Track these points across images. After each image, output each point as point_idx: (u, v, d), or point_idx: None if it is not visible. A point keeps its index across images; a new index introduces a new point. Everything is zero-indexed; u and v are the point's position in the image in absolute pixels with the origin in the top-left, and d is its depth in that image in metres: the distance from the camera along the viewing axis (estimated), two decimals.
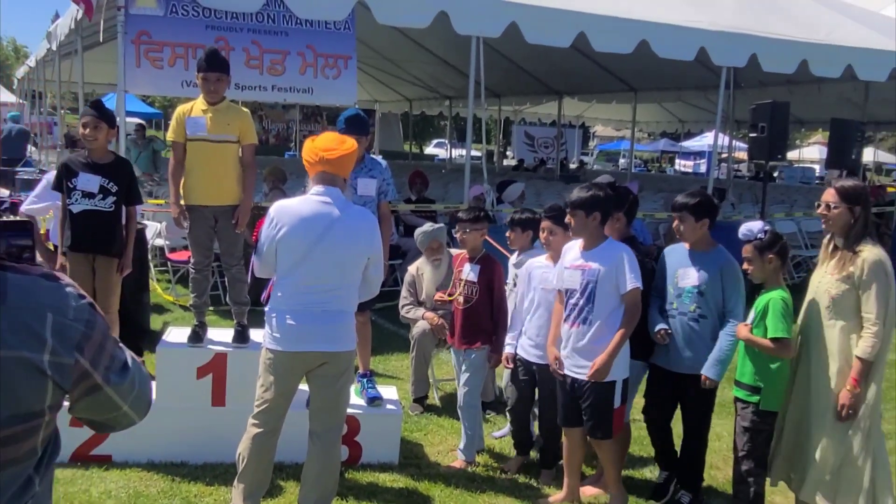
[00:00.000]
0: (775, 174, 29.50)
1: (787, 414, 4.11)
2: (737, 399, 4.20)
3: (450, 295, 5.25)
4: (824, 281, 3.96)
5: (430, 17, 8.10)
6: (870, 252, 3.79)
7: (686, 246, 4.37)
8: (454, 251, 5.66)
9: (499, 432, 5.49)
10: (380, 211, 5.04)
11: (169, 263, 8.84)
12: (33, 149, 16.11)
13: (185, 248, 9.41)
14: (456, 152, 27.95)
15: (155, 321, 7.69)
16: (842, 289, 3.83)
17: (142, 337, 6.72)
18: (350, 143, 3.87)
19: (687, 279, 4.29)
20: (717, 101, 10.39)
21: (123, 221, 5.05)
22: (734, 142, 20.64)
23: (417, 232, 6.04)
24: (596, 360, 4.12)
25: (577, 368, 4.23)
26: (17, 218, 6.38)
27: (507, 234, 5.22)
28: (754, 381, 4.06)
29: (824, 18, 11.03)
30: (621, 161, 41.12)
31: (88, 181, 4.76)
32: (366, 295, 4.05)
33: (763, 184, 10.57)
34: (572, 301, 4.23)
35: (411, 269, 6.14)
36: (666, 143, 39.87)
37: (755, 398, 4.05)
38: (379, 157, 5.25)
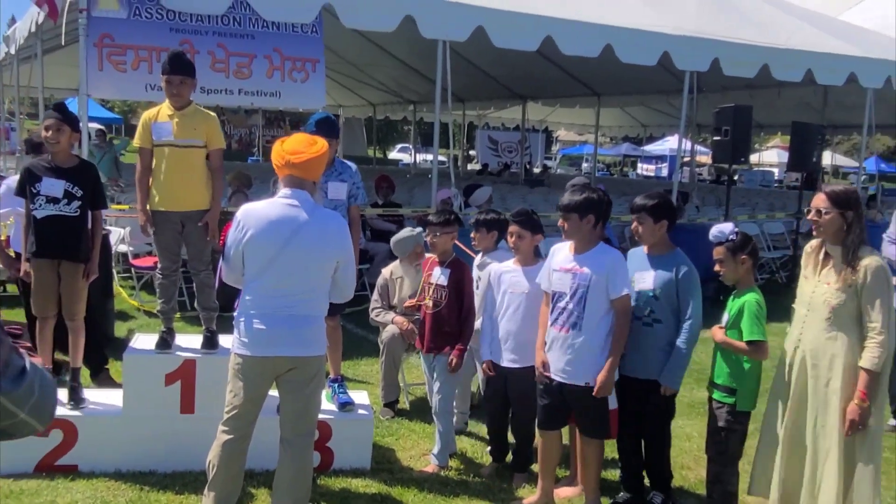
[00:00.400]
0: (736, 177, 29.91)
1: (780, 430, 3.98)
2: (712, 399, 4.22)
3: (419, 300, 5.22)
4: (820, 291, 3.79)
5: (396, 20, 8.06)
6: (870, 259, 3.66)
7: (645, 249, 4.35)
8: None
9: None
10: (350, 215, 5.02)
11: (133, 269, 8.70)
12: None
13: (149, 253, 9.30)
14: (420, 157, 27.94)
15: (119, 328, 7.57)
16: (842, 298, 3.69)
17: (106, 344, 6.60)
18: (319, 146, 3.81)
19: (643, 283, 4.25)
20: (679, 106, 10.49)
21: (89, 226, 4.95)
22: (695, 146, 20.88)
23: (398, 238, 5.98)
24: (598, 377, 4.11)
25: (566, 374, 4.21)
26: None
27: (472, 235, 5.22)
28: (730, 383, 4.08)
29: (784, 23, 11.21)
30: (584, 165, 41.42)
31: (52, 186, 4.65)
32: (338, 298, 4.01)
33: (727, 186, 10.73)
34: (561, 304, 4.21)
35: (385, 272, 6.10)
36: (628, 148, 40.25)
37: (731, 399, 4.07)
38: (349, 161, 5.22)
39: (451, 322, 4.99)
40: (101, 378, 6.02)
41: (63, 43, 7.57)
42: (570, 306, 4.16)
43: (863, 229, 3.72)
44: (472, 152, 33.30)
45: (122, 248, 8.68)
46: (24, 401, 1.55)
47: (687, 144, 16.25)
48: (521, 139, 23.86)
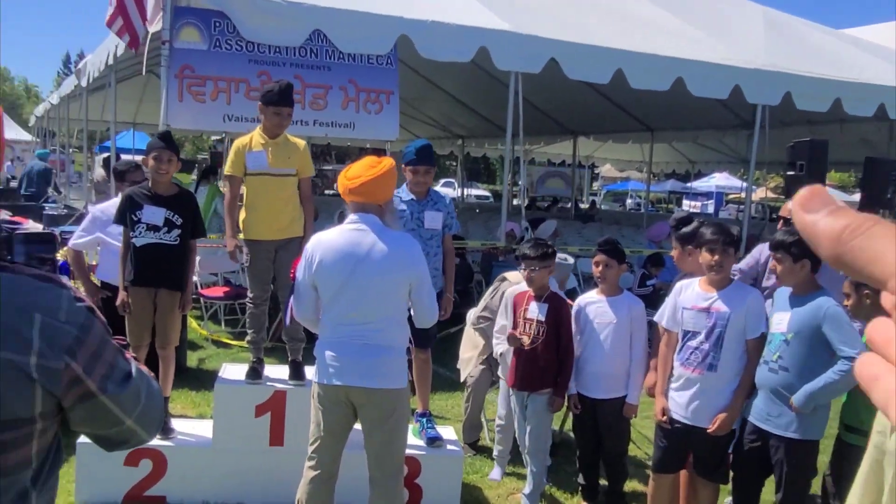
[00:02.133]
0: (775, 216, 29.48)
1: None
2: (844, 443, 4.02)
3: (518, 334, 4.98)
4: None
5: (471, 52, 8.07)
6: None
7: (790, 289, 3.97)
8: (512, 289, 5.28)
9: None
10: (444, 245, 4.95)
11: (201, 299, 8.68)
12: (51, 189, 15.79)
13: (215, 283, 9.30)
14: (466, 191, 27.96)
15: (189, 358, 7.53)
16: None
17: (178, 374, 6.54)
18: (380, 167, 3.65)
19: (778, 325, 3.87)
20: (731, 143, 10.30)
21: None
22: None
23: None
24: (718, 416, 3.96)
25: (696, 416, 4.03)
26: (42, 230, 6.14)
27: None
28: (861, 425, 3.90)
29: (855, 58, 11.01)
30: (629, 202, 41.17)
31: (154, 214, 4.63)
32: (421, 323, 3.87)
33: None
34: (693, 343, 4.03)
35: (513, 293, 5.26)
36: (673, 184, 39.92)
37: (864, 442, 3.87)
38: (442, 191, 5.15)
39: (547, 359, 4.76)
40: None
41: (143, 72, 7.62)
42: (706, 346, 3.97)
43: None
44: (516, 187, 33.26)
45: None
46: (131, 407, 1.48)
47: (731, 181, 15.99)
48: (572, 174, 23.75)
